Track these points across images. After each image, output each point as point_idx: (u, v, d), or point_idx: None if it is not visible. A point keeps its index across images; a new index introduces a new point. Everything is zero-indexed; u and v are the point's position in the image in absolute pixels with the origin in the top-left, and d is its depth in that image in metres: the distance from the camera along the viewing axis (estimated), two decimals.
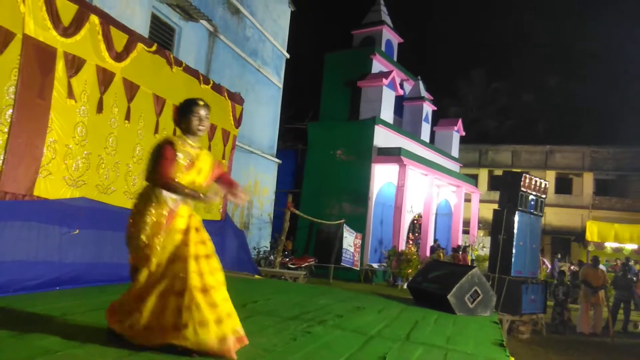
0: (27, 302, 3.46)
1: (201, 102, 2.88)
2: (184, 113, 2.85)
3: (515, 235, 7.92)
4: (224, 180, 3.08)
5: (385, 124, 15.06)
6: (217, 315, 2.59)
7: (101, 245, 4.62)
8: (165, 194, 2.71)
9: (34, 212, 3.95)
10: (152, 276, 2.66)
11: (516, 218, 7.98)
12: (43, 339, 2.64)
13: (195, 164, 2.81)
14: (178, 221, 2.75)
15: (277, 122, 13.11)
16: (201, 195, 2.81)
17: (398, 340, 3.65)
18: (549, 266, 15.55)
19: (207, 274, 2.66)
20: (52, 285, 4.00)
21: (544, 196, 8.66)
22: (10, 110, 3.81)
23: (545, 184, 8.70)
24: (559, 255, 17.36)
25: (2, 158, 3.75)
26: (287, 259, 11.46)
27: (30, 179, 3.99)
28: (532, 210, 8.36)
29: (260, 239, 12.12)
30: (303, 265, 11.58)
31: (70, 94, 4.31)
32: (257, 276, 7.19)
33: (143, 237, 2.64)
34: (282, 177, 13.97)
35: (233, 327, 2.66)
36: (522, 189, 8.10)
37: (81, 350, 2.52)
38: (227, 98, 7.09)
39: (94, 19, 4.53)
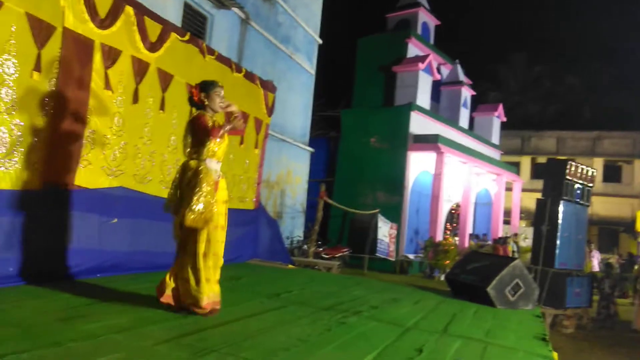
0: (70, 288, 3.59)
1: (221, 84, 3.35)
2: (207, 92, 3.28)
3: (559, 226, 7.60)
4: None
5: (421, 110, 14.68)
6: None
7: (138, 233, 4.72)
8: (210, 166, 3.19)
9: (75, 201, 4.07)
10: (211, 237, 3.20)
11: (561, 208, 7.64)
12: (86, 323, 2.74)
13: (224, 135, 3.31)
14: (221, 193, 3.28)
15: (310, 109, 13.01)
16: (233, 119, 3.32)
17: (435, 332, 3.56)
18: (595, 258, 14.67)
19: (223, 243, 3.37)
20: (92, 272, 4.13)
21: (590, 185, 8.25)
22: (52, 102, 3.91)
23: (592, 172, 8.28)
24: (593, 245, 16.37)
25: (44, 149, 3.86)
26: (321, 249, 11.46)
27: (71, 169, 4.10)
28: (578, 200, 7.99)
29: (293, 228, 12.17)
30: (337, 256, 11.55)
31: (107, 85, 4.38)
32: (290, 266, 7.21)
33: (202, 203, 3.09)
34: (314, 165, 13.89)
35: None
36: (568, 177, 7.74)
37: (121, 336, 2.60)
38: (259, 86, 7.06)
39: (129, 9, 4.57)
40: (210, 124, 3.21)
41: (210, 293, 3.21)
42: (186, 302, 3.19)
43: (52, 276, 3.76)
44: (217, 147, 3.26)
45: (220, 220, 3.29)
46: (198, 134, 3.21)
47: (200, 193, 3.10)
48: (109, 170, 4.48)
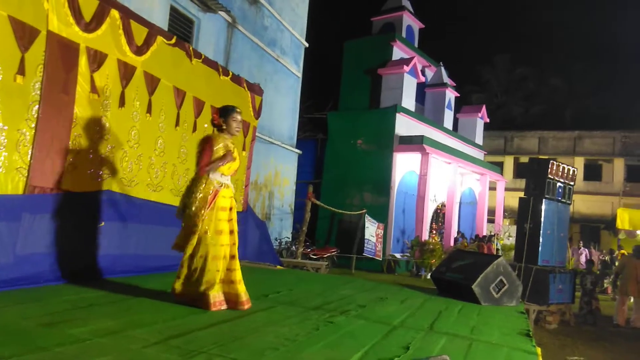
0: (56, 292, 3.57)
1: (239, 110, 3.77)
2: (225, 117, 3.68)
3: (542, 224, 7.75)
4: None
5: (406, 111, 14.84)
6: (239, 277, 3.69)
7: (126, 237, 4.70)
8: (212, 177, 3.56)
9: (61, 205, 4.04)
10: (202, 240, 3.50)
11: (543, 206, 7.79)
12: (72, 328, 2.71)
13: (234, 156, 3.70)
14: (221, 200, 3.57)
15: (297, 112, 13.06)
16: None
17: (421, 330, 3.62)
18: (583, 255, 14.87)
19: (235, 245, 3.68)
20: (79, 276, 4.08)
21: (572, 183, 8.43)
22: (37, 106, 3.88)
23: (574, 171, 8.46)
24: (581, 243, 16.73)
25: (30, 153, 3.83)
26: (309, 250, 11.50)
27: (57, 173, 4.07)
28: (559, 198, 8.15)
29: (281, 229, 12.19)
30: (325, 256, 11.60)
31: (93, 88, 4.36)
32: (278, 267, 7.23)
33: (193, 208, 3.48)
34: (302, 167, 13.96)
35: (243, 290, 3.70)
36: (550, 176, 7.90)
37: (108, 339, 2.58)
38: (246, 89, 7.08)
39: (115, 13, 4.56)
40: (216, 148, 3.58)
41: (216, 293, 3.53)
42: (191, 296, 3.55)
43: (39, 280, 3.73)
44: (226, 165, 3.61)
45: (218, 225, 3.56)
46: (199, 154, 3.61)
47: (194, 199, 3.48)
48: (96, 174, 4.46)
